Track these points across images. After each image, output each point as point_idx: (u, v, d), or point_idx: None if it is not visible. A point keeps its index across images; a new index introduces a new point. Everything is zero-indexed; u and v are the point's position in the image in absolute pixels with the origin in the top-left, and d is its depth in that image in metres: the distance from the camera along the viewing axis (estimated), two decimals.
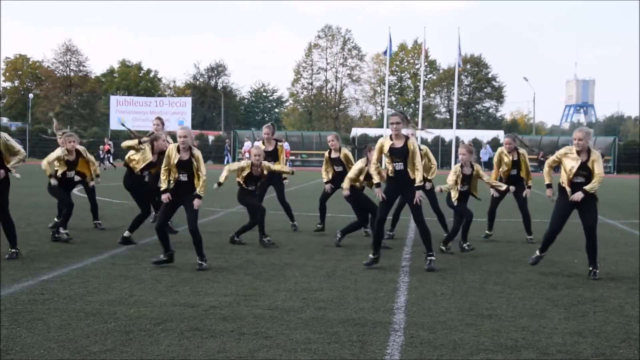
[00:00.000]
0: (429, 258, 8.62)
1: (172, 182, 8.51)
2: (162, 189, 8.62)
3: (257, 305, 6.62)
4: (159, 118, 12.36)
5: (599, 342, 5.61)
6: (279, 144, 12.17)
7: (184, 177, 8.52)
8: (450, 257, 9.81)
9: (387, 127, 9.14)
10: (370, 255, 8.78)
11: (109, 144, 44.30)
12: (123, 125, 9.81)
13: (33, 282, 7.44)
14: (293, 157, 54.06)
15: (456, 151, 50.20)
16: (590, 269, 8.37)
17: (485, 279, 8.23)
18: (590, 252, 8.36)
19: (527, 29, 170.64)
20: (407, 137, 8.65)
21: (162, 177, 8.59)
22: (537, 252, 8.60)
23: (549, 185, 8.78)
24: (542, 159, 51.33)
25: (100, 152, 42.25)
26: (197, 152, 8.65)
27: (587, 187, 8.17)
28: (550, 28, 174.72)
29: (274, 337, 5.52)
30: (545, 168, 8.91)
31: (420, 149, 9.14)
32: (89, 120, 77.40)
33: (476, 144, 54.32)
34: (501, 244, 10.96)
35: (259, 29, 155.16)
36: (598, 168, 8.20)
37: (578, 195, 8.13)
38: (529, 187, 11.26)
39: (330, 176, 11.92)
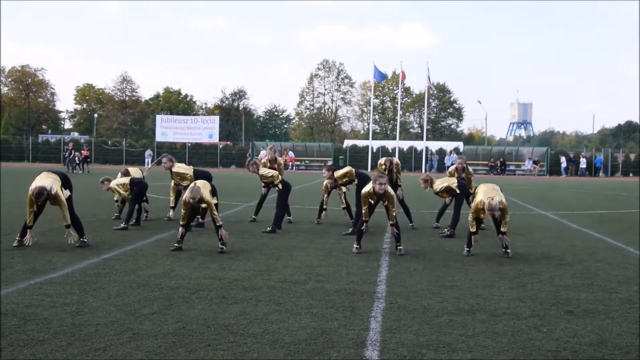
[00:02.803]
0: (398, 247, 8.47)
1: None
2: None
3: (270, 278, 6.62)
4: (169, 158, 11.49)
5: (535, 306, 5.62)
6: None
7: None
8: (421, 240, 9.81)
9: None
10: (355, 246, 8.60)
11: (87, 151, 41.44)
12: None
13: (97, 260, 7.46)
14: (298, 163, 54.10)
15: (426, 158, 50.30)
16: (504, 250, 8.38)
17: (448, 257, 8.23)
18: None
19: (481, 63, 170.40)
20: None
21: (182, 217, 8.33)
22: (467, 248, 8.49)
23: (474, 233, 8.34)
24: (492, 164, 51.45)
25: (77, 158, 37.29)
26: (208, 200, 8.27)
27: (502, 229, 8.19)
28: (498, 62, 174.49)
29: (284, 304, 5.52)
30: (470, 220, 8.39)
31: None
32: (139, 134, 77.47)
33: (441, 152, 54.38)
34: (461, 231, 10.94)
35: (272, 62, 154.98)
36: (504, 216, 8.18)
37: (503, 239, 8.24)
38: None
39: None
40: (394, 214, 8.34)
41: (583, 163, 50.36)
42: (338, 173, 11.16)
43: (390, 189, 8.41)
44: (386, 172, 10.85)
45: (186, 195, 8.23)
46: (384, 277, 6.83)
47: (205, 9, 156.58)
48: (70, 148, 37.33)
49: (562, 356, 4.26)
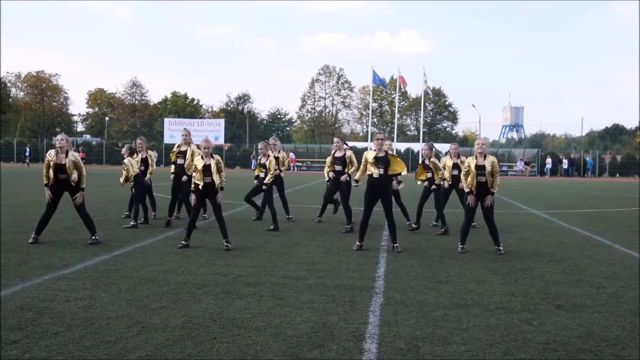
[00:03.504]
0: (395, 245, 8.44)
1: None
2: (192, 188, 8.43)
3: (273, 274, 6.62)
4: (186, 129, 11.39)
5: (526, 300, 5.62)
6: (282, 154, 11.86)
7: (207, 179, 8.33)
8: (417, 238, 9.81)
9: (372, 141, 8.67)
10: (357, 243, 8.58)
11: (82, 152, 40.67)
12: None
13: (108, 256, 7.46)
14: (299, 164, 54.08)
15: (422, 159, 50.22)
16: (496, 247, 8.34)
17: (444, 254, 8.23)
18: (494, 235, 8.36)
19: (474, 68, 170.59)
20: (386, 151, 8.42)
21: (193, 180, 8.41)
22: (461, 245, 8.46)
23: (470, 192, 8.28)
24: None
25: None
26: (218, 157, 8.54)
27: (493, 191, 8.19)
28: (491, 68, 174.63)
29: (286, 298, 5.52)
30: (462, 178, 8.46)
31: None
32: (148, 136, 77.51)
33: (437, 154, 54.35)
34: (455, 229, 10.94)
35: (275, 67, 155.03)
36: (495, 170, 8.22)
37: (489, 200, 8.17)
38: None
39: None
40: (399, 170, 8.35)
41: (565, 164, 50.62)
42: (350, 152, 10.78)
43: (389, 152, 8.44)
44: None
45: (201, 144, 8.44)
46: (382, 273, 6.83)
47: (211, 17, 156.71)
48: None
49: (552, 348, 4.26)
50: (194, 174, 8.47)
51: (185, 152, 10.79)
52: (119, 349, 4.05)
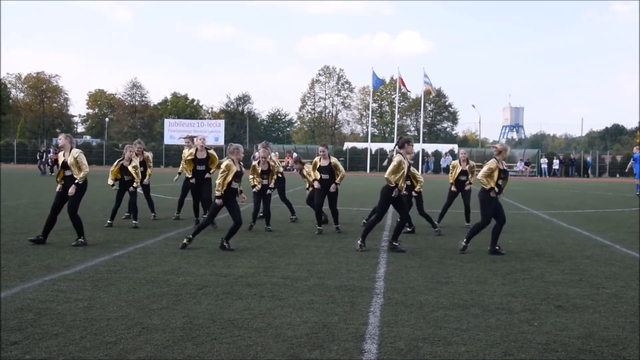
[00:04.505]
0: (395, 244, 8.43)
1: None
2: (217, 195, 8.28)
3: (273, 275, 6.62)
4: (190, 137, 11.52)
5: (526, 301, 5.62)
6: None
7: (235, 185, 8.37)
8: (417, 238, 9.80)
9: (397, 146, 8.58)
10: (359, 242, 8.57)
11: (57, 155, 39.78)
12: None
13: (108, 257, 7.46)
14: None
15: (422, 160, 50.15)
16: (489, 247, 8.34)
17: (444, 255, 8.23)
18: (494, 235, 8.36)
19: (474, 68, 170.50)
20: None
21: (218, 187, 8.27)
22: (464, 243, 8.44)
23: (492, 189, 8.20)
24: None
25: (49, 160, 34.92)
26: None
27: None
28: (491, 68, 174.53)
29: (286, 299, 5.52)
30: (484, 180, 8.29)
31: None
32: (148, 137, 77.56)
33: (437, 154, 54.36)
34: (455, 229, 10.96)
35: (275, 68, 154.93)
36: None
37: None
38: (470, 183, 11.48)
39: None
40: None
41: (556, 164, 50.69)
42: (335, 160, 10.36)
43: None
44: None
45: (240, 150, 8.45)
46: (382, 273, 6.83)
47: (211, 17, 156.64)
48: (42, 150, 36.21)
49: (552, 349, 4.25)
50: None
51: (205, 159, 10.74)
52: (119, 349, 4.05)
